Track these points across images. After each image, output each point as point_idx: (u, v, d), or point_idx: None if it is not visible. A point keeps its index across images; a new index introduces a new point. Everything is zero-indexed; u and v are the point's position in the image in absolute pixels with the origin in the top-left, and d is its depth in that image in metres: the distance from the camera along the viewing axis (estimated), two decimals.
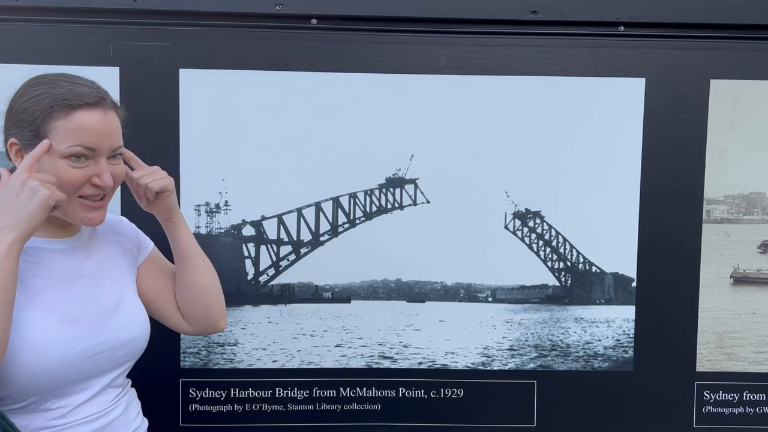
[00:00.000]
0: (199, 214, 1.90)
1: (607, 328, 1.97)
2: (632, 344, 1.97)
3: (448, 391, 1.96)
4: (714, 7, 1.90)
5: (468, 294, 1.96)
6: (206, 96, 1.87)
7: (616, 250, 1.96)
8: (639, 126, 1.92)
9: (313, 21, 1.89)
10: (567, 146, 1.93)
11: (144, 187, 1.39)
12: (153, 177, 1.40)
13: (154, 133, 1.85)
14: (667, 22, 1.90)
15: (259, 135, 1.89)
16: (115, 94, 1.81)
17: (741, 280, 1.97)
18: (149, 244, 1.54)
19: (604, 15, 1.90)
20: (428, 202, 1.94)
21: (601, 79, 1.91)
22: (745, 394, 1.98)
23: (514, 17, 1.90)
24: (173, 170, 1.85)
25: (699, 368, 1.97)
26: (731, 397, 1.98)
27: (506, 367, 1.96)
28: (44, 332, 1.21)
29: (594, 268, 1.96)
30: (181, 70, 1.85)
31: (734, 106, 1.91)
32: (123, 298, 1.38)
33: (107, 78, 1.81)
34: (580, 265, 1.96)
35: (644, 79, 1.91)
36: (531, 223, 1.95)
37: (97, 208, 1.28)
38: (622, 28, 1.90)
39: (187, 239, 1.47)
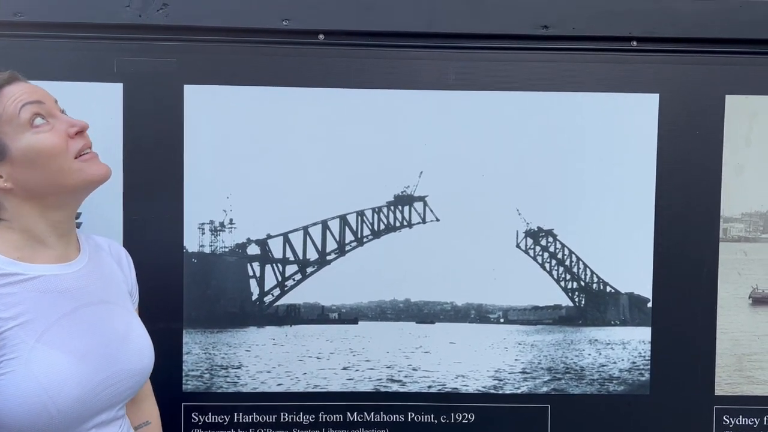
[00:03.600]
0: (203, 233, 1.85)
1: (622, 350, 1.91)
2: (648, 367, 1.91)
3: (458, 416, 1.90)
4: (729, 21, 1.86)
5: (479, 315, 1.91)
6: (211, 112, 1.83)
7: (631, 270, 1.90)
8: (653, 142, 1.88)
9: (321, 36, 1.85)
10: (580, 163, 1.89)
11: None
12: None
13: (157, 149, 1.82)
14: (681, 36, 1.86)
15: (265, 152, 1.85)
16: (118, 110, 1.80)
17: (760, 300, 1.92)
18: (137, 295, 1.51)
19: (616, 29, 1.86)
20: (438, 220, 1.89)
21: (614, 95, 1.88)
22: (766, 418, 1.92)
23: (524, 32, 1.86)
24: (177, 187, 1.82)
25: (718, 392, 1.91)
26: (752, 421, 1.92)
27: (519, 391, 1.90)
28: (59, 373, 1.13)
29: (608, 288, 1.91)
30: (186, 86, 1.82)
31: (751, 123, 1.87)
32: (131, 325, 1.33)
33: (111, 94, 1.80)
34: (594, 285, 1.91)
35: (658, 94, 1.87)
36: (543, 242, 1.90)
37: (95, 160, 1.26)
38: (634, 42, 1.87)
39: None
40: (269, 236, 1.87)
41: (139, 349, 1.31)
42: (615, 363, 1.91)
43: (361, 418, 1.89)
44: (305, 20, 1.84)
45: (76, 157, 1.23)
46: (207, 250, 1.85)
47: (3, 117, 1.17)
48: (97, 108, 1.78)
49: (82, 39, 1.79)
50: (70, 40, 1.79)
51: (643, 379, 1.91)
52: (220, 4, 1.81)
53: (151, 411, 1.55)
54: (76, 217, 1.43)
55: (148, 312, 1.57)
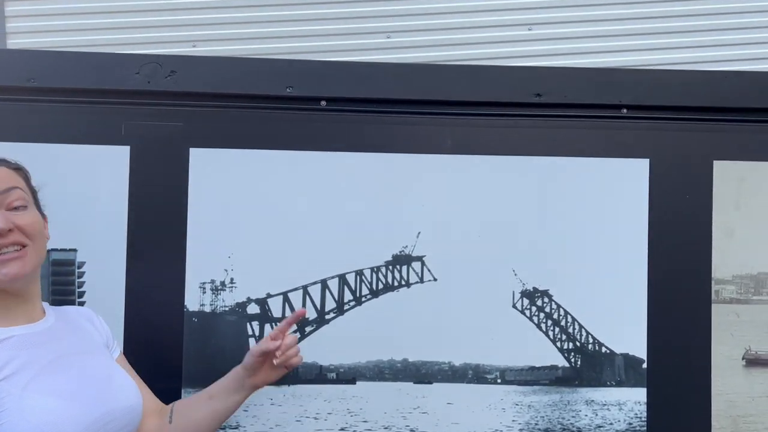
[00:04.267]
0: (204, 292, 1.88)
1: (618, 411, 1.92)
2: (645, 428, 1.91)
3: None
4: (716, 90, 1.94)
5: (476, 375, 1.92)
6: (216, 174, 1.88)
7: (626, 330, 1.93)
8: (644, 206, 1.93)
9: (323, 103, 1.92)
10: (574, 225, 1.93)
11: (288, 357, 1.41)
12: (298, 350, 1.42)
13: (162, 210, 1.86)
14: (669, 104, 1.93)
15: (267, 212, 1.90)
16: (124, 172, 1.85)
17: (753, 361, 1.94)
18: (118, 346, 1.54)
19: (607, 98, 1.94)
20: (435, 279, 1.92)
21: (605, 160, 1.94)
22: None
23: (518, 100, 1.94)
24: (180, 247, 1.85)
25: None
26: None
27: None
28: (53, 413, 1.17)
29: (604, 349, 1.93)
30: (191, 149, 1.87)
31: (739, 187, 1.93)
32: (112, 368, 1.38)
33: (117, 157, 1.85)
34: (590, 346, 1.93)
35: (648, 159, 1.93)
36: (539, 302, 1.93)
37: (9, 260, 1.25)
38: (625, 110, 1.94)
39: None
40: (269, 295, 1.90)
41: (126, 386, 1.36)
42: (611, 424, 1.92)
43: None
44: (308, 87, 1.91)
45: None
46: (207, 309, 1.87)
47: None
48: (104, 170, 1.83)
49: (92, 104, 1.85)
50: (80, 104, 1.85)
51: None
52: (227, 72, 1.89)
53: None
54: (79, 266, 1.46)
55: (147, 370, 1.58)
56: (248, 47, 2.98)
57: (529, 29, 3.03)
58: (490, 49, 3.00)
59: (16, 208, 1.29)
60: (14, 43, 2.91)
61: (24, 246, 1.28)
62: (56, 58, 1.90)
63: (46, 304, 1.46)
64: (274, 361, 1.42)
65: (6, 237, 1.25)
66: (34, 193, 1.40)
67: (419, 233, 1.92)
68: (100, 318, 1.55)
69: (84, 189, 1.84)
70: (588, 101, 1.94)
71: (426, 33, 2.99)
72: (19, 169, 1.36)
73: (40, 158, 1.67)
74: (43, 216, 1.40)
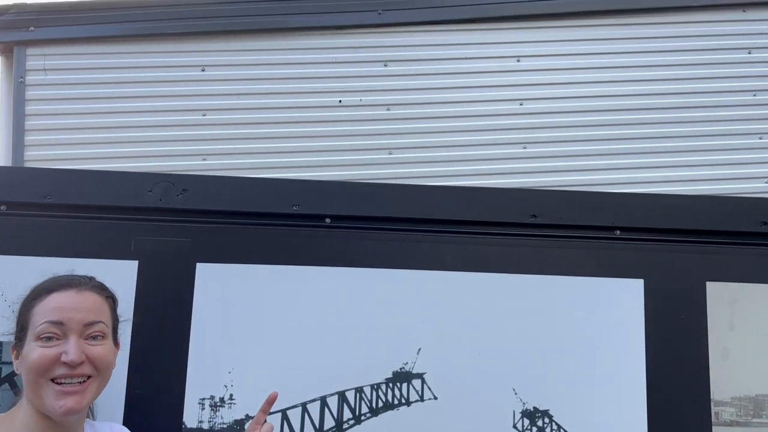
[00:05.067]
0: (203, 408, 1.86)
1: None
2: None
3: None
4: (706, 213, 2.02)
5: None
6: (220, 289, 1.92)
7: None
8: (641, 325, 1.96)
9: (327, 220, 1.99)
10: (572, 344, 1.95)
11: None
12: None
13: (165, 324, 1.88)
14: (661, 227, 2.01)
15: (269, 327, 1.92)
16: (131, 286, 1.89)
17: None
18: None
19: (600, 220, 2.01)
20: (436, 398, 1.92)
21: (600, 280, 1.98)
22: None
23: (515, 220, 2.01)
24: (181, 362, 1.86)
25: None
26: None
27: None
28: None
29: None
30: (198, 263, 1.92)
31: (732, 309, 1.97)
32: None
33: (125, 271, 1.90)
34: None
35: (642, 280, 1.98)
36: (540, 423, 1.91)
37: (69, 394, 1.25)
38: (618, 231, 2.01)
39: None
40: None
41: None
42: None
43: None
44: (314, 205, 1.99)
45: (55, 380, 1.26)
46: (206, 426, 1.85)
47: (35, 316, 1.26)
48: (111, 284, 1.86)
49: (105, 220, 1.92)
50: (93, 220, 1.91)
51: None
52: (236, 190, 1.97)
53: None
54: None
55: None
56: (256, 161, 3.11)
57: (524, 147, 3.19)
58: (486, 165, 3.14)
59: (93, 338, 1.31)
60: (32, 154, 3.03)
61: (89, 377, 1.28)
62: (72, 176, 1.98)
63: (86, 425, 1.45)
64: None
65: (75, 369, 1.26)
66: (116, 321, 1.43)
67: (419, 350, 1.94)
68: None
69: None
70: (582, 222, 2.01)
71: (425, 150, 3.14)
72: (109, 297, 1.39)
73: (49, 272, 1.72)
74: (116, 343, 1.42)
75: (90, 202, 1.93)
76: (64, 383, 1.26)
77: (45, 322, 1.25)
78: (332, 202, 2.00)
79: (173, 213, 1.94)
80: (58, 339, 1.26)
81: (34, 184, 1.94)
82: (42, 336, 1.25)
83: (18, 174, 2.11)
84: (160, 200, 1.94)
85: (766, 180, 3.17)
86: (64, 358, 1.25)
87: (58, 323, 1.26)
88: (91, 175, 2.00)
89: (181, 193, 1.94)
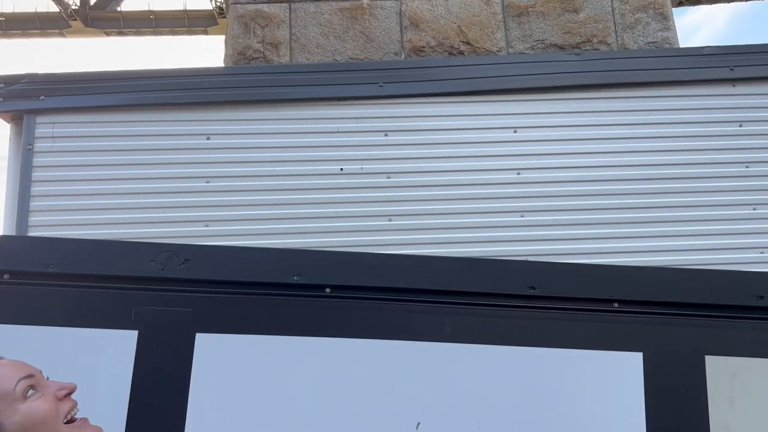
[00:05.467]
0: None
1: None
2: None
3: None
4: (705, 287, 2.03)
5: None
6: (219, 359, 1.91)
7: None
8: (641, 399, 1.95)
9: (327, 290, 2.01)
10: (571, 418, 1.93)
11: None
12: None
13: (163, 394, 1.87)
14: (660, 300, 2.02)
15: (266, 398, 1.90)
16: (130, 356, 1.89)
17: None
18: None
19: (598, 292, 2.03)
20: None
21: (599, 353, 1.98)
22: None
23: (514, 292, 2.03)
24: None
25: None
26: None
27: None
28: None
29: None
30: (197, 333, 1.93)
31: (732, 383, 1.96)
32: None
33: (125, 341, 1.90)
34: None
35: (641, 353, 1.98)
36: None
37: (86, 426, 1.29)
38: (616, 304, 2.02)
39: None
40: None
41: None
42: None
43: None
44: (314, 275, 2.01)
45: (66, 422, 1.28)
46: None
47: (2, 384, 1.26)
48: (110, 353, 1.87)
49: (106, 289, 1.93)
50: (95, 290, 1.93)
51: None
52: (238, 261, 1.99)
53: None
54: None
55: None
56: (258, 227, 3.15)
57: (522, 216, 3.23)
58: (484, 233, 3.18)
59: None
60: (36, 220, 3.07)
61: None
62: (76, 245, 2.01)
63: None
64: None
65: (71, 399, 1.30)
66: None
67: (419, 424, 1.92)
68: None
69: (88, 372, 1.87)
70: (580, 295, 2.02)
71: (424, 217, 3.19)
72: None
73: (49, 341, 1.72)
74: None
75: (93, 271, 1.95)
76: (75, 419, 1.28)
77: (19, 381, 1.25)
78: (333, 272, 2.02)
79: (174, 283, 1.95)
80: (36, 390, 1.27)
81: (38, 253, 1.96)
82: (26, 395, 1.25)
83: (21, 243, 2.14)
84: (162, 270, 1.96)
85: (761, 250, 3.20)
86: (60, 393, 1.27)
87: (30, 376, 1.27)
88: (95, 245, 2.03)
89: (183, 263, 1.97)
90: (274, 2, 3.97)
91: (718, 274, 2.06)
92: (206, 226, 3.14)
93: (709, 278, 2.06)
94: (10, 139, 3.20)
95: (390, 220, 3.23)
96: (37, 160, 3.16)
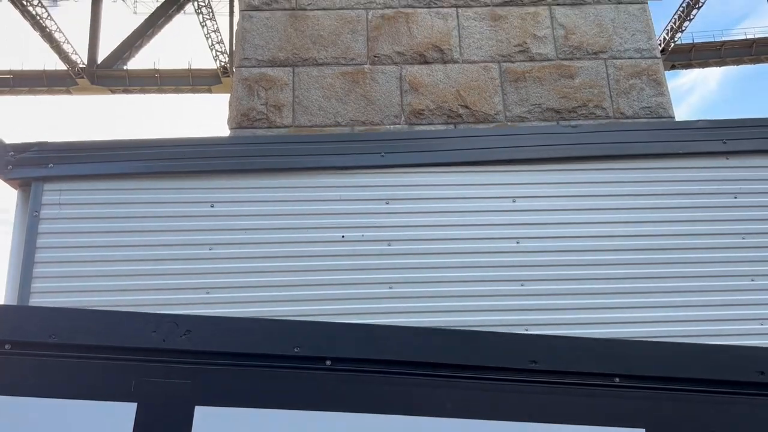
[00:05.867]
0: None
1: None
2: None
3: None
4: (708, 362, 2.03)
5: None
6: None
7: None
8: None
9: (328, 362, 2.01)
10: None
11: None
12: None
13: None
14: (661, 375, 2.01)
15: None
16: (129, 428, 1.87)
17: None
18: None
19: (600, 367, 2.02)
20: None
21: (601, 429, 1.96)
22: None
23: (515, 366, 2.02)
24: None
25: None
26: None
27: None
28: None
29: None
30: (197, 407, 1.91)
31: None
32: None
33: (124, 414, 1.89)
34: None
35: (644, 429, 1.96)
36: None
37: None
38: (617, 379, 2.02)
39: None
40: None
41: None
42: None
43: None
44: (315, 348, 2.01)
45: None
46: None
47: None
48: (109, 427, 1.85)
49: (107, 360, 1.93)
50: (96, 360, 1.93)
51: None
52: (239, 332, 2.00)
53: None
54: None
55: None
56: (259, 294, 3.16)
57: (521, 285, 3.25)
58: (484, 301, 3.19)
59: None
60: (39, 286, 3.08)
61: None
62: (79, 315, 2.02)
63: None
64: None
65: None
66: None
67: None
68: None
69: None
70: (581, 369, 2.02)
71: (425, 285, 3.20)
72: None
73: (49, 413, 1.71)
74: None
75: (95, 342, 1.95)
76: None
77: None
78: (334, 344, 2.02)
79: (175, 354, 1.95)
80: None
81: (40, 323, 1.97)
82: None
83: (23, 313, 2.15)
84: (164, 341, 1.96)
85: (760, 321, 3.20)
86: None
87: None
88: (98, 315, 2.04)
89: (184, 334, 1.97)
90: (278, 66, 4.10)
91: (718, 349, 2.06)
92: (207, 293, 3.16)
93: (710, 353, 2.06)
94: (17, 205, 3.25)
95: (390, 288, 3.24)
96: (43, 226, 3.19)
